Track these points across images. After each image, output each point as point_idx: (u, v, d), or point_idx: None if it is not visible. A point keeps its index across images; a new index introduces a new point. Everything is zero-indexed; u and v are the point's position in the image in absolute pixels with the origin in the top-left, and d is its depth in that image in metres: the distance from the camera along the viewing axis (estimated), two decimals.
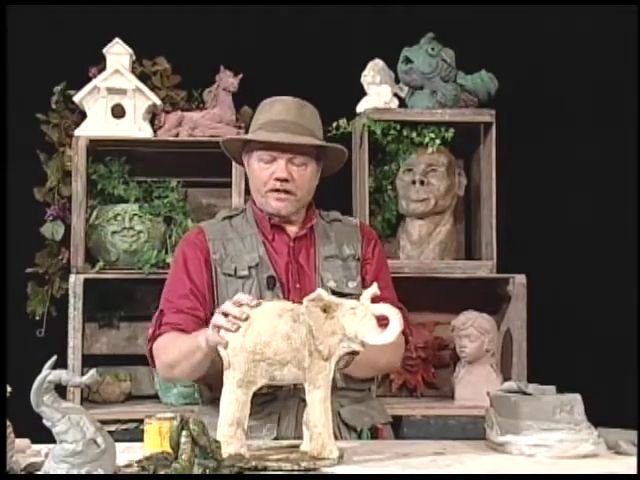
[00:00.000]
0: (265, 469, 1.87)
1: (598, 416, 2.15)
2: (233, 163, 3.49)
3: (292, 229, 2.50)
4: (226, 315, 2.00)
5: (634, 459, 1.96)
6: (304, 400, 2.03)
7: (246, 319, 1.96)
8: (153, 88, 3.62)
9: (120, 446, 1.85)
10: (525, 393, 2.14)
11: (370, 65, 3.67)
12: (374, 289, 1.98)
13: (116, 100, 3.54)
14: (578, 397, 2.09)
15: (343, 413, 2.40)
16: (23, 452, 2.01)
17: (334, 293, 2.28)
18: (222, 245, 2.46)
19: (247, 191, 3.53)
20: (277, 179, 2.41)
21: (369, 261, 2.54)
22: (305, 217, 2.52)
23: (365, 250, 2.54)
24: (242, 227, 2.51)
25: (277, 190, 2.42)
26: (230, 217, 2.55)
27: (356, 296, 2.20)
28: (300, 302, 1.99)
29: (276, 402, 2.34)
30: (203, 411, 2.44)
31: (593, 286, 3.82)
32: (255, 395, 1.99)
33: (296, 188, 2.44)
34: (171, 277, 2.49)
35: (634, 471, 1.87)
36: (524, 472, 1.87)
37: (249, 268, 2.41)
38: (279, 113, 2.45)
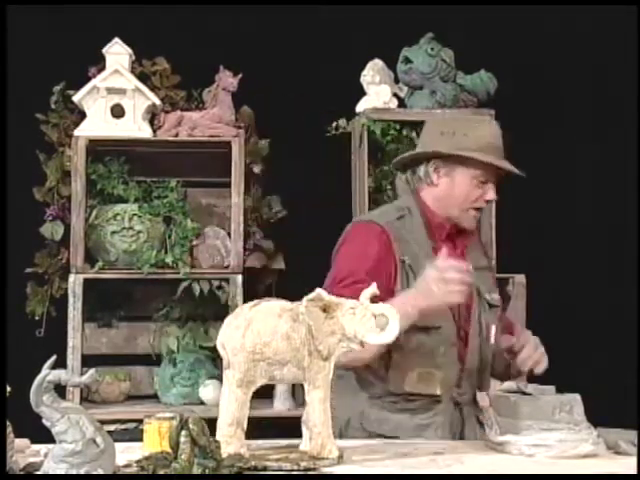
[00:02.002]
0: (265, 469, 1.87)
1: (598, 416, 2.15)
2: (233, 163, 3.50)
3: (459, 239, 2.51)
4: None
5: (634, 459, 1.95)
6: (458, 404, 2.39)
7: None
8: (153, 88, 3.62)
9: (119, 446, 1.84)
10: (525, 393, 2.14)
11: (370, 65, 3.67)
12: (373, 289, 1.97)
13: (115, 100, 3.54)
14: (578, 397, 2.09)
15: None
16: (23, 452, 2.00)
17: (490, 306, 2.47)
18: (407, 248, 2.39)
19: (246, 191, 3.56)
20: (487, 201, 2.48)
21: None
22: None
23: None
24: (414, 230, 2.44)
25: (478, 209, 2.49)
26: (402, 217, 2.46)
27: (497, 308, 2.52)
28: None
29: (440, 405, 2.40)
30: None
31: (593, 286, 3.82)
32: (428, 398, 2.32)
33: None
34: (351, 261, 2.38)
35: (634, 471, 1.86)
36: (524, 472, 1.87)
37: None
38: (496, 137, 2.51)
